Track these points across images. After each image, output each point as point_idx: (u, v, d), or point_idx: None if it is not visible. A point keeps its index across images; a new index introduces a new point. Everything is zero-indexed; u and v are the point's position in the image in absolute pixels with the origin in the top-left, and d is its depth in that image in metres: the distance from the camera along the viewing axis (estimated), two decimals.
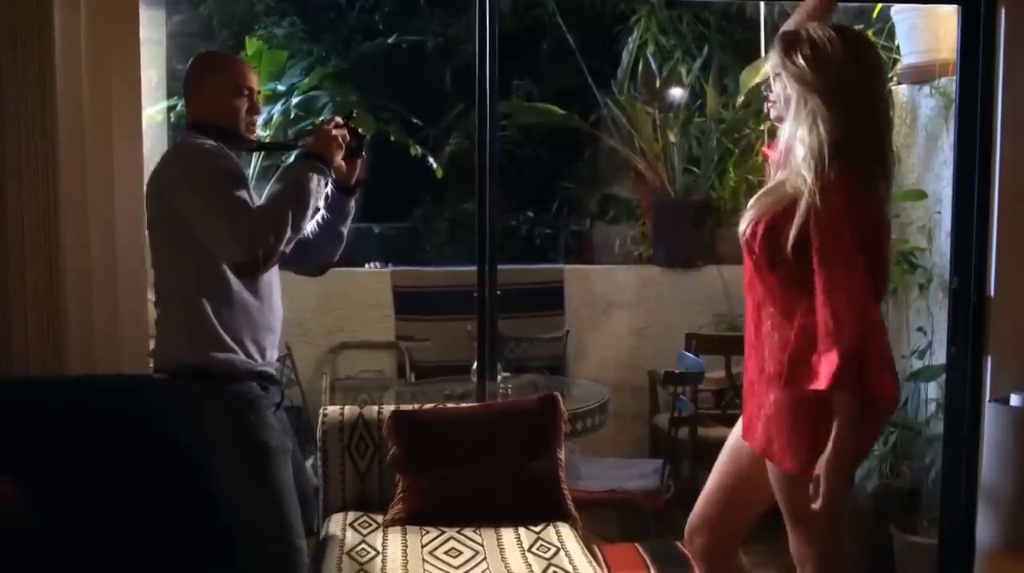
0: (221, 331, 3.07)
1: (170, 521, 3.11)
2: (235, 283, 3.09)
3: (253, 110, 3.21)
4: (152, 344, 3.46)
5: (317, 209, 3.16)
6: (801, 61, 2.75)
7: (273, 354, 3.27)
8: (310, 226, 3.23)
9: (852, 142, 2.69)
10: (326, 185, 3.13)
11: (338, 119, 3.19)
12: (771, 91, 2.87)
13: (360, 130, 3.24)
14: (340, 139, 3.13)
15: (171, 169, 3.11)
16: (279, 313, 3.29)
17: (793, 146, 2.76)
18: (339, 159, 3.15)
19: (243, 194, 3.01)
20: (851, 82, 2.72)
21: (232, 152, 3.18)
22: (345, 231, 3.38)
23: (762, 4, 5.98)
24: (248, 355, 3.13)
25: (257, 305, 3.16)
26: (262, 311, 3.18)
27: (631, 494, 4.56)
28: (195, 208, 3.01)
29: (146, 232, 3.30)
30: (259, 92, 3.27)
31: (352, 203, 3.35)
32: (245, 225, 2.94)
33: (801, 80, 2.75)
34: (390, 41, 7.90)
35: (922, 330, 4.65)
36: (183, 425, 3.12)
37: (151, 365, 3.32)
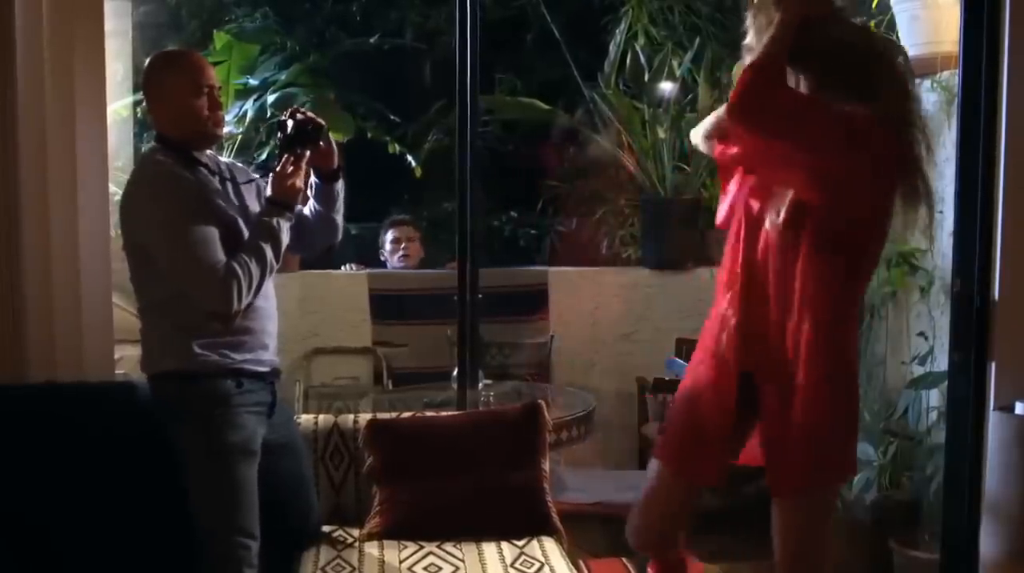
0: (198, 339, 3.09)
1: (130, 518, 3.26)
2: None
3: (215, 106, 3.17)
4: (117, 350, 3.65)
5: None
6: None
7: (260, 354, 3.22)
8: (307, 209, 3.35)
9: None
10: (291, 220, 3.18)
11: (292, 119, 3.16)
12: None
13: (301, 118, 3.17)
14: (297, 182, 3.14)
15: (136, 204, 3.11)
16: (270, 314, 3.28)
17: None
18: (300, 198, 3.20)
19: (207, 238, 3.02)
20: None
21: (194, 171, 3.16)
22: (338, 217, 3.43)
23: None
24: (222, 355, 3.12)
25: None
26: (241, 314, 3.16)
27: (618, 507, 4.51)
28: (164, 260, 3.05)
29: (115, 234, 3.28)
30: (219, 87, 3.24)
31: (336, 188, 3.37)
32: (215, 286, 3.01)
33: None
34: (372, 40, 7.86)
35: (923, 335, 4.63)
36: (151, 425, 3.18)
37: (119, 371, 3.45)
